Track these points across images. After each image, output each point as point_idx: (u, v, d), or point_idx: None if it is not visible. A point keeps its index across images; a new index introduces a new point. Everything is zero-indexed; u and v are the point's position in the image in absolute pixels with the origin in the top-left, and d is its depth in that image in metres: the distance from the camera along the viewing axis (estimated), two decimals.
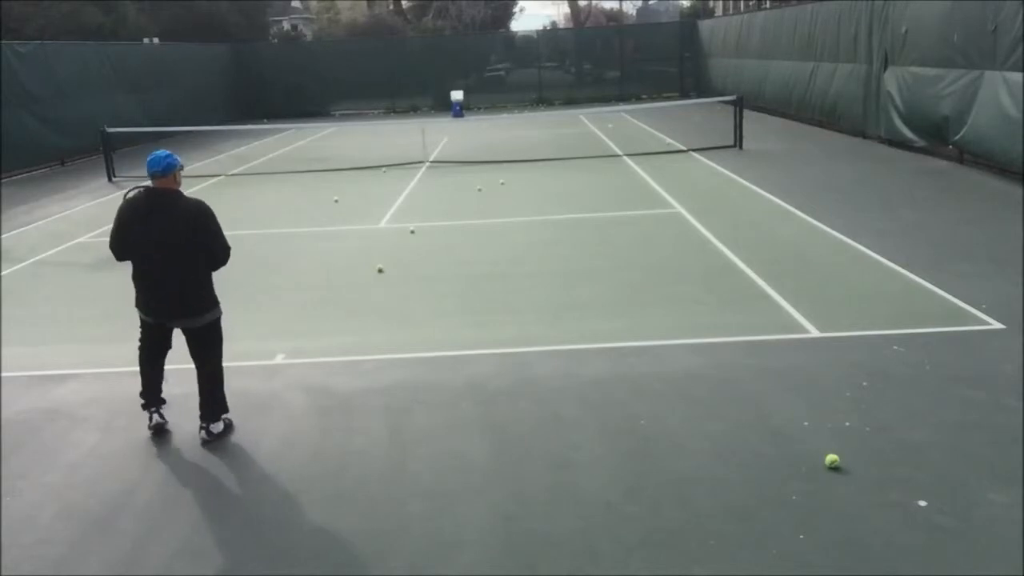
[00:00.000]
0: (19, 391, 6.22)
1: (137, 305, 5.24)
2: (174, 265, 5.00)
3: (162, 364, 5.43)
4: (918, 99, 14.82)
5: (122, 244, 5.08)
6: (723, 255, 9.00)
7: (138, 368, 5.44)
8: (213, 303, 5.21)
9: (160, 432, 5.37)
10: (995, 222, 9.81)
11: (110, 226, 5.18)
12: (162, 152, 5.08)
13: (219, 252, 5.13)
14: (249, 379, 6.14)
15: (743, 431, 5.02)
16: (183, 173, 5.28)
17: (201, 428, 5.27)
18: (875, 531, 3.97)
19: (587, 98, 33.27)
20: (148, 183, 5.12)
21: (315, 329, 7.37)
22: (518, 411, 5.46)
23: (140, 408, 5.45)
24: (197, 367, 5.28)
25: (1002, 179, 12.22)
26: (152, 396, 5.42)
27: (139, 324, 5.36)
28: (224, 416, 5.36)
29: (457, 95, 28.00)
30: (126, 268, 5.27)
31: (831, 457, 4.55)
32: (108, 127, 17.78)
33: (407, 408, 5.60)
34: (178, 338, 5.33)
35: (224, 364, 5.34)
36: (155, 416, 5.39)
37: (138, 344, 5.41)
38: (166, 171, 5.01)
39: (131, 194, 5.10)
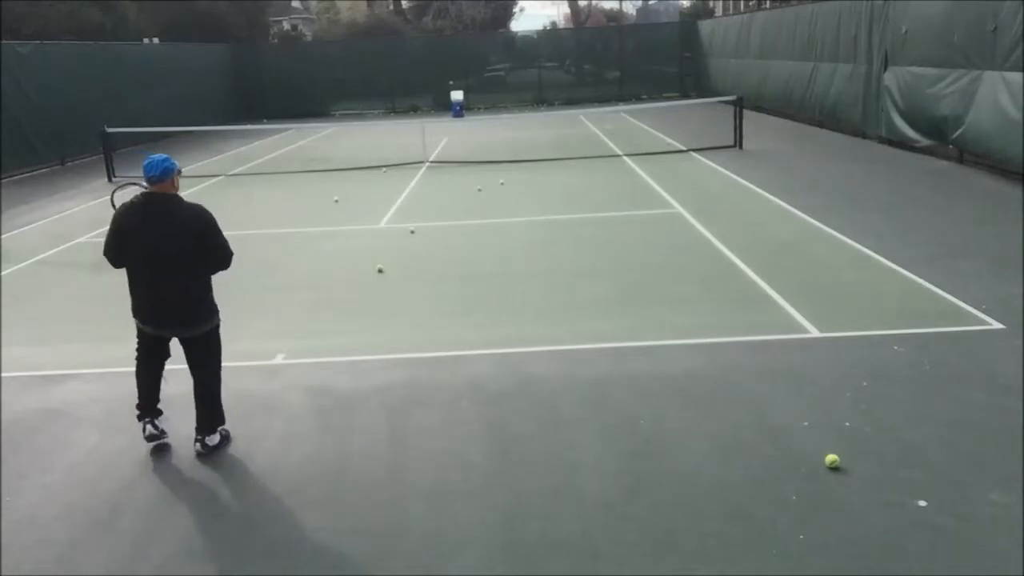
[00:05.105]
0: (19, 391, 6.22)
1: (134, 314, 5.07)
2: (172, 273, 4.86)
3: (160, 373, 5.26)
4: (918, 99, 14.82)
5: (118, 251, 4.94)
6: (723, 255, 8.99)
7: (135, 375, 5.29)
8: (212, 311, 5.08)
9: (157, 442, 5.18)
10: (995, 222, 9.81)
11: (109, 227, 5.08)
12: (159, 156, 4.93)
13: (221, 259, 5.00)
14: (249, 379, 6.15)
15: (743, 431, 5.02)
16: (181, 176, 5.15)
17: (196, 440, 5.10)
18: (875, 531, 3.97)
19: (587, 98, 33.25)
20: (144, 186, 4.99)
21: (315, 329, 7.37)
22: (518, 411, 5.46)
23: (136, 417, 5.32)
24: (194, 377, 5.13)
25: (1002, 179, 12.22)
26: (148, 406, 5.23)
27: (136, 331, 5.22)
28: (221, 428, 5.20)
29: (457, 95, 28.02)
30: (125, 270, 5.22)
31: (831, 457, 4.55)
32: (108, 127, 17.77)
33: (407, 408, 5.60)
34: (177, 343, 5.28)
35: (224, 364, 5.30)
36: (149, 427, 5.20)
37: (135, 352, 5.27)
38: (164, 175, 4.87)
39: (118, 192, 4.92)
